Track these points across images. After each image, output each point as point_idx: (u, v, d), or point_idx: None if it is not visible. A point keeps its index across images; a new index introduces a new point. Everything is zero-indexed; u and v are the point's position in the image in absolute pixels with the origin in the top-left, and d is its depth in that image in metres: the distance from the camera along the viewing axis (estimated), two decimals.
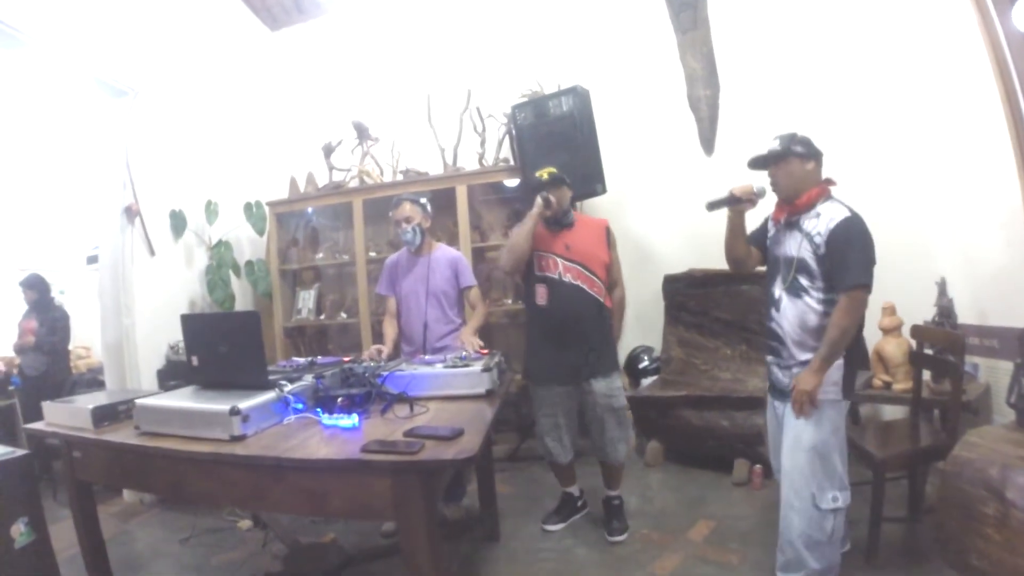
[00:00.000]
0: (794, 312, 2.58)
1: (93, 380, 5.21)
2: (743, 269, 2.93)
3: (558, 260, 3.29)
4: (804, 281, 2.55)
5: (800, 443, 2.55)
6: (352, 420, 2.28)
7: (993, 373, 3.57)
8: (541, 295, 3.32)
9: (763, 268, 2.87)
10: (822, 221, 2.51)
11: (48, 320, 5.13)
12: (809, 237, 2.53)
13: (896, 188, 4.08)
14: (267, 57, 5.90)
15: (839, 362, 2.50)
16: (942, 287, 3.66)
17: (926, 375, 3.44)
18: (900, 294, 3.68)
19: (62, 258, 6.55)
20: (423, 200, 3.63)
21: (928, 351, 3.32)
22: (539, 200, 3.21)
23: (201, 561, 3.45)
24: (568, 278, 3.27)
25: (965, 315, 3.66)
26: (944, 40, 3.73)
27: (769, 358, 2.78)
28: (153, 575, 3.35)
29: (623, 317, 3.52)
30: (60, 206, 6.48)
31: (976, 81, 3.47)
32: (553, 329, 3.32)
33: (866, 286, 2.43)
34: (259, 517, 3.73)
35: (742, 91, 4.69)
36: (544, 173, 3.33)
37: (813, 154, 2.61)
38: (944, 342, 3.22)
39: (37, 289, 5.21)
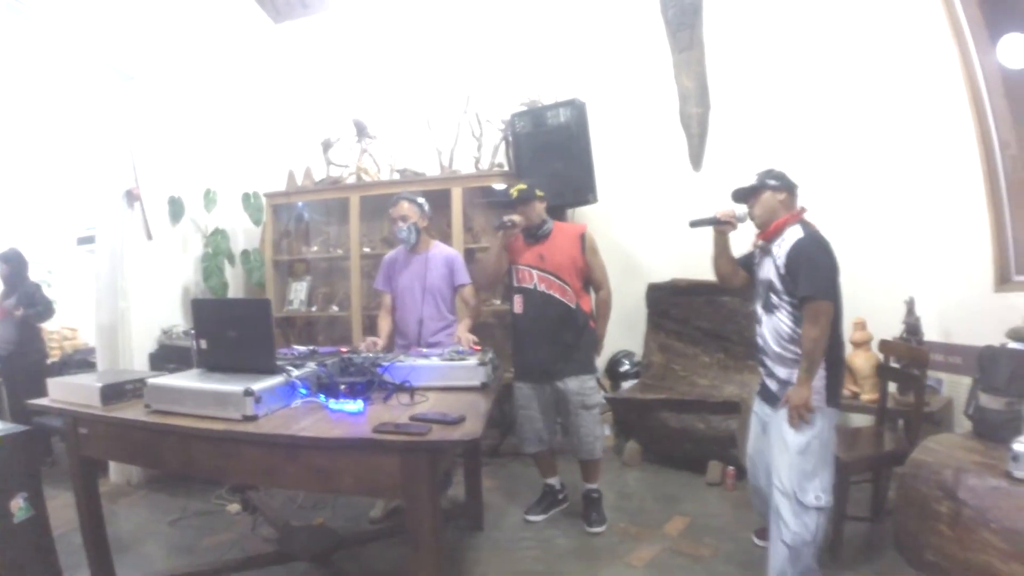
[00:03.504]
0: (770, 327, 2.82)
1: (82, 361, 5.23)
2: (729, 284, 3.16)
3: (532, 272, 3.51)
4: (775, 299, 2.78)
5: (786, 445, 2.72)
6: (358, 405, 2.40)
7: (955, 388, 3.79)
8: (517, 304, 3.57)
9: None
10: (784, 245, 2.74)
11: (22, 296, 5.00)
12: (774, 260, 2.78)
13: (872, 212, 4.29)
14: (270, 49, 5.96)
15: (820, 372, 2.67)
16: (910, 306, 3.85)
17: (892, 387, 3.63)
18: (871, 311, 3.88)
19: (52, 238, 6.53)
20: (421, 200, 3.75)
21: (895, 365, 3.53)
22: (500, 231, 3.45)
23: (191, 542, 3.52)
24: (542, 288, 3.49)
25: (931, 333, 3.87)
26: (923, 72, 3.96)
27: (760, 368, 2.98)
28: (144, 555, 3.39)
29: (608, 317, 3.66)
30: (52, 187, 6.47)
31: (951, 113, 3.71)
32: (528, 334, 3.57)
33: (815, 297, 2.60)
34: (248, 500, 3.81)
35: (731, 111, 4.86)
36: (514, 191, 3.52)
37: (786, 186, 2.85)
38: (909, 357, 3.42)
39: (12, 264, 5.07)
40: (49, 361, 5.35)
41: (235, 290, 5.31)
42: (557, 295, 3.47)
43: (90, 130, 4.74)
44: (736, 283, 3.11)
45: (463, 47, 5.49)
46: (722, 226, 2.98)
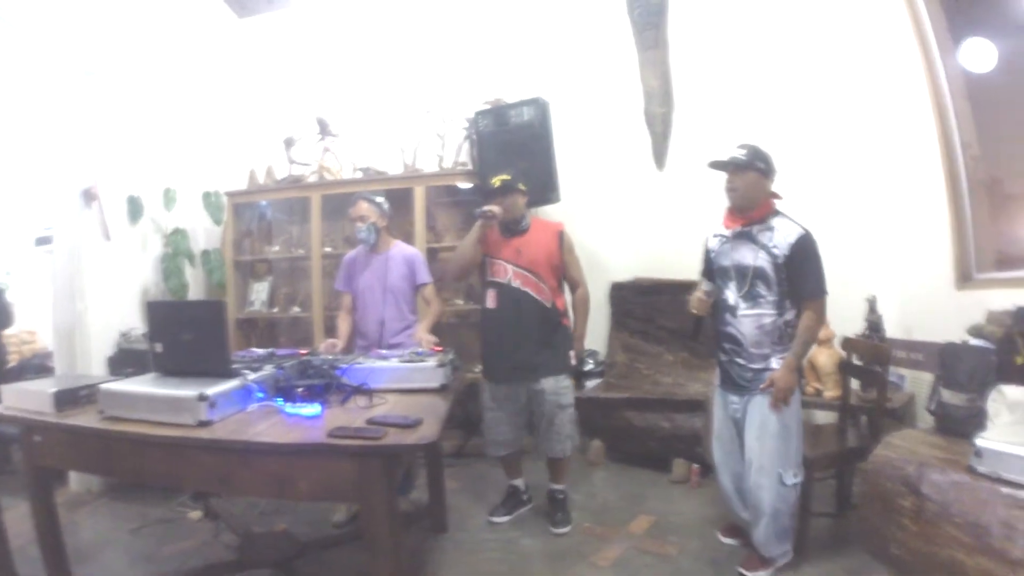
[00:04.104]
0: (752, 317, 2.84)
1: (40, 366, 5.09)
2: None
3: (508, 266, 3.45)
4: (762, 289, 2.81)
5: (767, 429, 2.80)
6: (314, 409, 2.38)
7: (917, 384, 3.85)
8: (491, 299, 3.50)
9: None
10: (779, 235, 2.79)
11: None
12: (767, 248, 2.80)
13: (835, 210, 4.32)
14: (233, 45, 5.84)
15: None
16: (872, 304, 3.90)
17: (855, 384, 3.69)
18: (833, 308, 3.85)
19: (9, 239, 6.35)
20: (379, 199, 3.73)
21: (857, 362, 3.59)
22: (480, 219, 3.38)
23: (152, 551, 3.45)
24: (516, 283, 3.44)
25: (893, 330, 3.94)
26: (887, 73, 4.03)
27: (724, 358, 3.00)
28: (104, 565, 3.32)
29: (587, 314, 3.64)
30: (9, 186, 6.30)
31: (914, 113, 3.78)
32: (500, 331, 3.49)
33: (825, 294, 2.78)
34: (210, 507, 3.76)
35: (695, 111, 4.88)
36: (497, 180, 3.46)
37: (771, 172, 2.89)
38: (872, 354, 3.47)
39: None
40: (7, 367, 5.21)
41: (196, 291, 5.22)
42: (532, 292, 3.43)
43: (47, 127, 4.61)
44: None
45: (427, 45, 5.45)
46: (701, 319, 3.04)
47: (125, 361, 4.35)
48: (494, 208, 3.36)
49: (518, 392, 3.51)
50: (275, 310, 5.35)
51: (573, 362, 3.57)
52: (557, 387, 3.47)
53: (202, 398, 2.24)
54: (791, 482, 2.81)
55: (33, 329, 6.11)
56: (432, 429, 2.15)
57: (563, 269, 3.55)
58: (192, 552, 3.40)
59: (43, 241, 5.78)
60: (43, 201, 5.50)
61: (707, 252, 3.12)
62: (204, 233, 5.41)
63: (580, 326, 3.63)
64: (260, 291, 5.39)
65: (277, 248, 5.45)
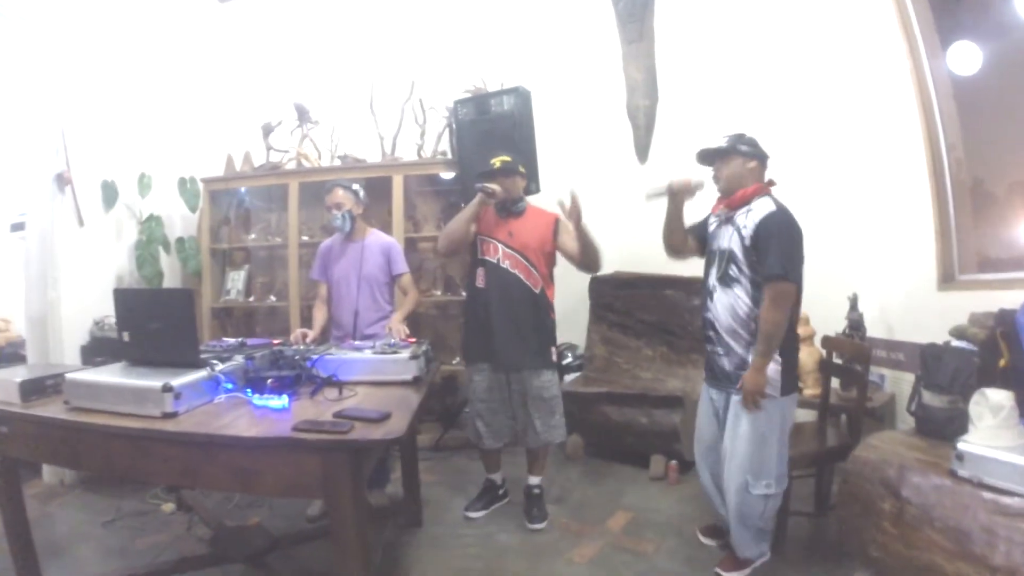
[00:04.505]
0: (725, 301, 2.78)
1: (14, 355, 5.00)
2: (678, 256, 3.11)
3: (499, 246, 3.42)
4: (734, 272, 2.75)
5: (738, 432, 2.76)
6: (282, 401, 2.34)
7: (898, 384, 3.82)
8: (480, 278, 3.46)
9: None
10: (752, 215, 2.70)
11: None
12: (738, 229, 2.73)
13: (816, 206, 4.25)
14: (212, 29, 5.74)
15: (774, 359, 2.69)
16: (853, 302, 3.87)
17: (835, 383, 3.67)
18: (814, 306, 3.87)
19: None
20: (355, 187, 3.68)
21: (837, 360, 3.56)
22: (480, 193, 3.33)
23: (125, 544, 3.41)
24: (506, 264, 3.40)
25: (874, 329, 3.91)
26: (874, 73, 3.98)
27: (707, 347, 2.95)
28: (76, 559, 3.27)
29: (589, 245, 3.40)
30: None
31: (900, 113, 3.74)
32: (487, 312, 3.44)
33: (783, 277, 2.60)
34: (183, 500, 3.70)
35: (679, 104, 4.87)
36: (497, 161, 3.43)
37: (757, 155, 2.82)
38: (852, 353, 3.46)
39: None
40: None
41: (171, 279, 5.15)
42: (521, 275, 3.40)
43: (20, 110, 4.52)
44: (685, 255, 3.09)
45: (408, 32, 5.40)
46: (678, 198, 2.92)
47: (99, 350, 4.30)
48: (495, 186, 3.32)
49: (501, 380, 3.48)
50: (252, 299, 5.29)
51: (554, 358, 3.54)
52: (541, 381, 3.44)
53: (166, 389, 2.19)
54: (759, 492, 2.75)
55: (8, 317, 6.01)
56: (401, 423, 2.11)
57: (554, 255, 3.51)
58: (165, 545, 3.34)
59: (18, 227, 5.66)
60: (17, 186, 5.41)
61: (707, 219, 3.02)
62: (181, 220, 5.34)
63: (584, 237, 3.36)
64: (236, 280, 5.33)
65: (254, 236, 5.39)
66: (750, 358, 2.74)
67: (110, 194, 4.65)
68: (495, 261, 3.43)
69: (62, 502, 4.02)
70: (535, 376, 3.43)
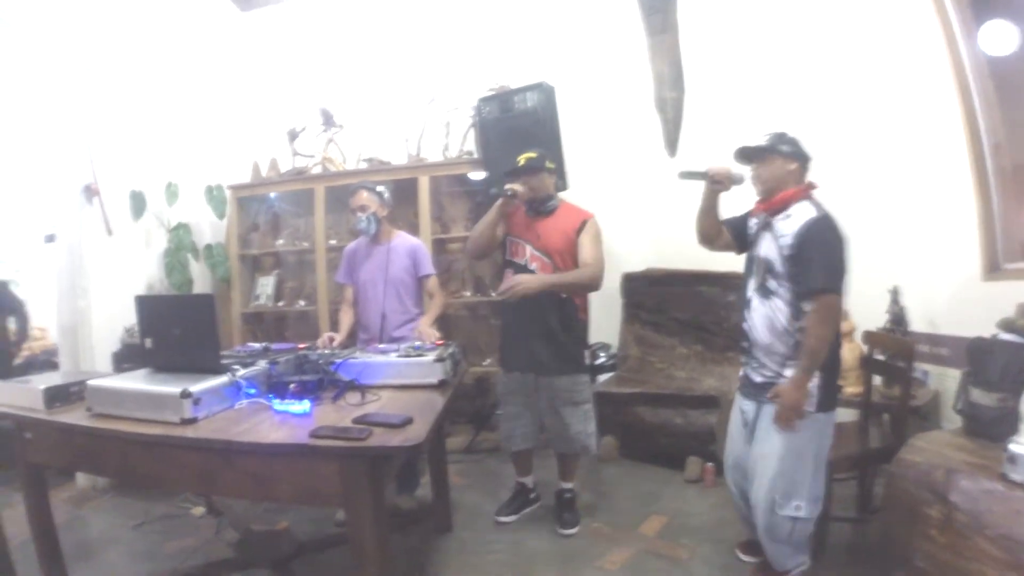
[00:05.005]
0: (763, 314, 2.60)
1: (47, 362, 5.10)
2: (710, 246, 2.93)
3: (527, 247, 3.30)
4: (772, 283, 2.56)
5: (769, 448, 2.57)
6: (303, 406, 2.30)
7: (942, 380, 3.65)
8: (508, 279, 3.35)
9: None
10: (791, 222, 2.52)
11: None
12: (777, 238, 2.55)
13: (855, 195, 4.11)
14: (236, 38, 5.80)
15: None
16: (895, 295, 3.72)
17: (877, 380, 3.51)
18: (854, 300, 3.70)
19: (19, 236, 6.37)
20: (380, 188, 3.63)
21: (879, 356, 3.38)
22: (501, 198, 3.22)
23: (154, 548, 3.41)
24: (534, 267, 3.27)
25: (917, 323, 3.74)
26: (908, 56, 3.82)
27: (741, 357, 2.80)
28: (105, 562, 3.29)
29: (569, 280, 3.22)
30: (18, 183, 6.31)
31: (938, 96, 3.59)
32: (516, 316, 3.33)
33: (827, 291, 2.42)
34: (213, 504, 3.71)
35: (707, 95, 4.75)
36: (522, 159, 3.29)
37: (798, 156, 2.63)
38: (895, 349, 3.30)
39: None
40: (16, 362, 5.22)
41: (201, 286, 5.18)
42: None
43: (49, 123, 4.58)
44: (718, 245, 2.90)
45: (432, 32, 5.36)
46: (714, 185, 2.74)
47: (130, 357, 4.32)
48: (516, 187, 3.19)
49: (532, 383, 3.37)
50: (281, 304, 5.30)
51: (587, 360, 3.43)
52: (572, 384, 3.33)
53: (185, 395, 2.17)
54: (788, 513, 2.53)
55: (44, 326, 6.11)
56: (421, 430, 2.04)
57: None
58: (193, 549, 3.34)
59: (51, 239, 5.77)
60: (48, 198, 5.50)
61: (747, 217, 2.84)
62: (210, 227, 5.37)
63: (557, 277, 3.20)
64: (266, 285, 5.34)
65: (282, 241, 5.39)
66: (787, 372, 2.55)
67: (138, 203, 4.68)
68: (523, 263, 3.30)
69: (95, 505, 4.06)
70: (567, 380, 3.31)
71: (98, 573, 3.16)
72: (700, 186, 2.82)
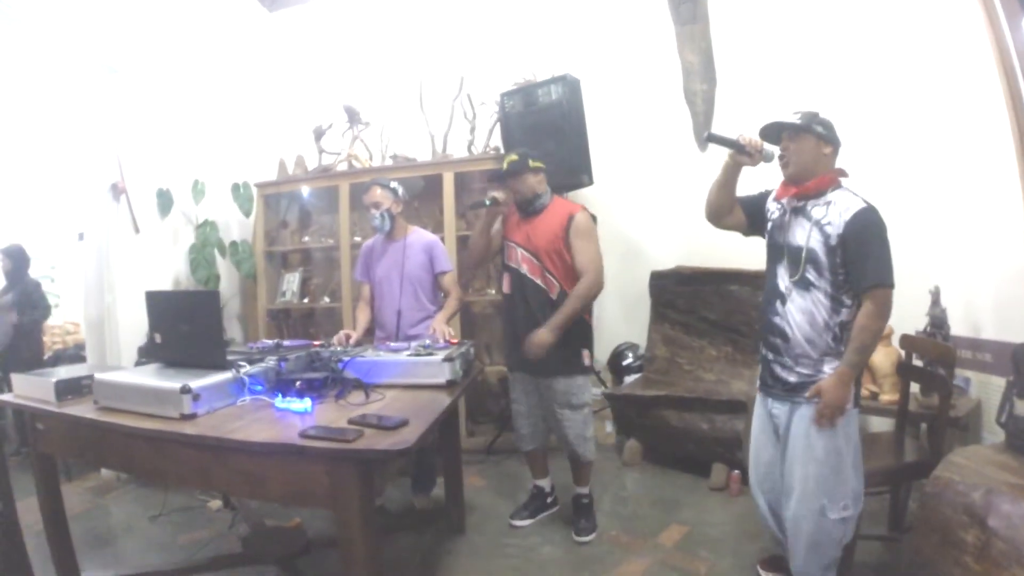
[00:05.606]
0: (804, 307, 2.44)
1: (76, 356, 5.21)
2: (716, 222, 2.75)
3: (519, 251, 3.26)
4: (812, 275, 2.42)
5: (812, 452, 2.43)
6: (305, 404, 2.27)
7: (985, 389, 3.45)
8: (506, 284, 3.33)
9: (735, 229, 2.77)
10: (834, 210, 2.38)
11: (19, 292, 5.12)
12: (819, 226, 2.41)
13: (893, 191, 3.94)
14: (263, 38, 5.84)
15: None
16: (935, 296, 3.50)
17: (914, 387, 3.32)
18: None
19: (54, 234, 6.53)
20: (394, 184, 3.59)
21: (917, 362, 3.19)
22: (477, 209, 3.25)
23: (168, 539, 3.44)
24: (524, 269, 3.23)
25: (958, 327, 3.53)
26: (949, 46, 3.63)
27: (768, 355, 2.61)
28: (118, 551, 3.34)
29: (578, 306, 3.13)
30: (52, 183, 6.47)
31: (981, 89, 3.39)
32: (511, 318, 3.32)
33: (884, 285, 2.30)
34: (229, 498, 3.72)
35: (739, 87, 4.61)
36: (505, 163, 3.26)
37: (832, 140, 2.48)
38: (934, 354, 3.07)
39: (14, 260, 5.23)
40: (46, 356, 5.36)
41: (228, 282, 5.23)
42: (537, 280, 3.19)
43: (77, 123, 4.66)
44: (726, 223, 2.72)
45: (456, 25, 5.33)
46: (741, 156, 2.52)
47: (153, 352, 4.35)
48: (496, 195, 3.17)
49: (533, 384, 3.32)
50: (307, 300, 5.30)
51: (587, 362, 3.31)
52: (569, 387, 3.23)
53: (185, 390, 2.17)
54: (837, 516, 2.42)
55: (77, 321, 6.25)
56: (413, 432, 1.97)
57: (569, 257, 3.22)
58: (206, 542, 3.37)
59: (83, 237, 5.91)
60: (79, 198, 5.62)
61: (764, 197, 2.70)
62: (237, 225, 5.40)
63: (567, 306, 3.12)
64: (291, 282, 5.34)
65: (308, 238, 5.39)
66: (826, 369, 2.41)
67: (165, 202, 4.74)
68: (515, 266, 3.26)
69: (116, 495, 4.13)
70: (563, 382, 3.22)
71: (110, 561, 3.20)
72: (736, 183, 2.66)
